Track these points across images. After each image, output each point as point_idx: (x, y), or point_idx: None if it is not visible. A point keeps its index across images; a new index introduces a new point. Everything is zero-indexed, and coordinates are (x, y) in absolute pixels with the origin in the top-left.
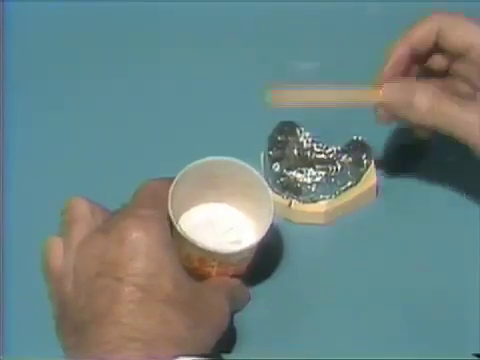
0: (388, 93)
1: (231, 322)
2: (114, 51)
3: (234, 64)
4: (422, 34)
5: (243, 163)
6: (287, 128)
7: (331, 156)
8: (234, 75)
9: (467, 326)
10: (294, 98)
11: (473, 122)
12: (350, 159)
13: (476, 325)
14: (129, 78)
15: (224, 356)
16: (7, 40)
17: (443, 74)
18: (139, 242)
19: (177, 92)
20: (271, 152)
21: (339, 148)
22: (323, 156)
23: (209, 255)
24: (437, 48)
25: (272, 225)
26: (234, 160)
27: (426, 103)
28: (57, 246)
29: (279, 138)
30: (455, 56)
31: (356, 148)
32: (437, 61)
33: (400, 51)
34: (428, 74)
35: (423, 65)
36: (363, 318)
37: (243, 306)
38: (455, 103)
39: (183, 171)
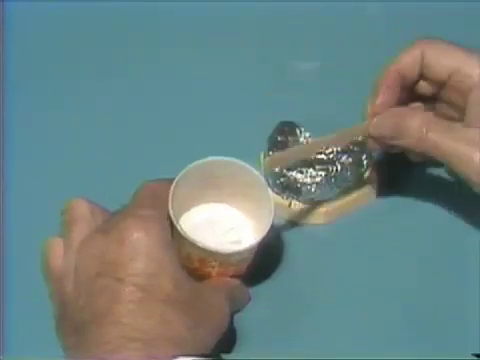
0: (377, 126)
1: (231, 322)
2: (114, 51)
3: (234, 64)
4: (407, 61)
5: (243, 163)
6: (287, 128)
7: (331, 156)
8: (234, 75)
9: (467, 326)
10: (288, 158)
11: (465, 153)
12: (350, 159)
13: (476, 325)
14: (129, 78)
15: (224, 356)
16: (7, 40)
17: (431, 100)
18: (139, 242)
19: (177, 92)
20: (271, 152)
21: (339, 148)
22: (323, 156)
23: (210, 255)
24: (422, 76)
25: (272, 225)
26: (234, 160)
27: (417, 131)
28: (57, 246)
29: (279, 138)
30: (440, 83)
31: (356, 148)
32: (424, 88)
33: (390, 78)
34: (417, 101)
35: (411, 92)
36: (363, 318)
37: (243, 306)
38: (445, 132)
39: (183, 171)
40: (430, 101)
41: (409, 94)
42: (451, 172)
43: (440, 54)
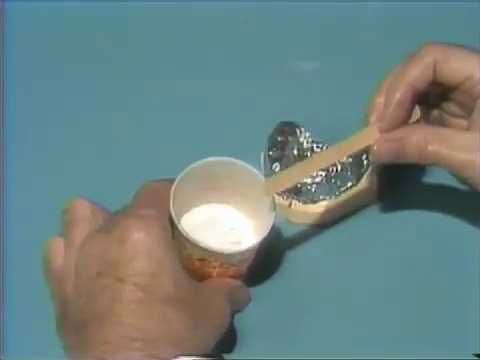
0: (377, 155)
1: (231, 323)
2: (114, 51)
3: (234, 64)
4: (419, 72)
5: (244, 163)
6: (287, 128)
7: None
8: (234, 75)
9: (467, 326)
10: (288, 181)
11: (468, 159)
12: (350, 159)
13: (476, 325)
14: (129, 78)
15: (225, 356)
16: (7, 40)
17: (440, 99)
18: (140, 242)
19: (177, 92)
20: (271, 152)
21: None
22: None
23: (211, 255)
24: (434, 81)
25: (273, 225)
26: (235, 160)
27: (416, 148)
28: (58, 246)
29: (279, 138)
30: (452, 87)
31: None
32: (434, 89)
33: (402, 95)
34: (424, 101)
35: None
36: (363, 318)
37: (244, 307)
38: (444, 141)
39: (184, 171)
40: (437, 98)
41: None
42: (456, 177)
43: (453, 61)
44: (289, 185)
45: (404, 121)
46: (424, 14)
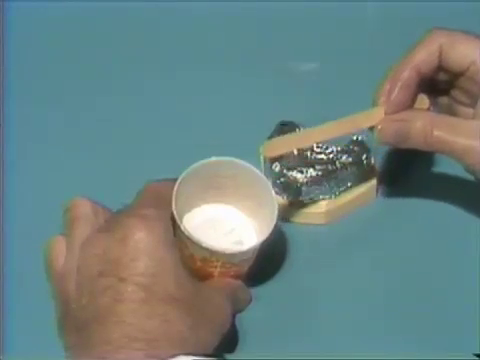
0: (381, 134)
1: (233, 323)
2: (114, 51)
3: (234, 64)
4: (425, 56)
5: (246, 163)
6: (287, 128)
7: (331, 156)
8: (234, 75)
9: (467, 326)
10: (288, 146)
11: (472, 146)
12: (350, 159)
13: (476, 325)
14: (129, 78)
15: (225, 356)
16: (7, 40)
17: (448, 87)
18: (142, 242)
19: (178, 92)
20: None
21: (339, 148)
22: (323, 156)
23: (213, 255)
24: (439, 67)
25: (275, 225)
26: (237, 160)
27: (422, 132)
28: (60, 245)
29: None
30: (458, 73)
31: (356, 148)
32: (440, 76)
33: (407, 77)
34: (433, 89)
35: (428, 81)
36: (363, 318)
37: (245, 307)
38: (449, 127)
39: (186, 171)
40: (446, 86)
41: (424, 85)
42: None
43: (458, 46)
44: (287, 150)
45: (409, 105)
46: (424, 14)
